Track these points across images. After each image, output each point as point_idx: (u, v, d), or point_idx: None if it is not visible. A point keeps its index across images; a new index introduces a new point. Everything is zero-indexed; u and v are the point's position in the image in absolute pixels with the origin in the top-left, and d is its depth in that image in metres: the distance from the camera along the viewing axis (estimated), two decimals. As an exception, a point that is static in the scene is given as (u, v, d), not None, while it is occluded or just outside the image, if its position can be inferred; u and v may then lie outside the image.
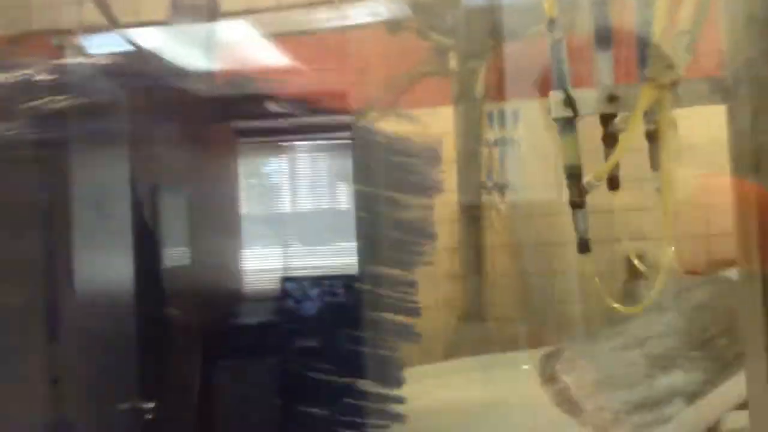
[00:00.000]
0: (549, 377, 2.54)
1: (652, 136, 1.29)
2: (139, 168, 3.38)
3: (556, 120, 1.30)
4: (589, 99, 1.29)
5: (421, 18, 3.22)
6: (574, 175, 1.30)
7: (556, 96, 1.28)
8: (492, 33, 2.98)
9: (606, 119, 1.32)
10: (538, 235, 4.30)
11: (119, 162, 2.98)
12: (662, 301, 2.56)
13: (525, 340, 3.64)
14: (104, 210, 2.80)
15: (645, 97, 1.13)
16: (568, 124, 1.30)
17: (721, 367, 1.89)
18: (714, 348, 2.06)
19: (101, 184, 2.79)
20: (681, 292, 2.54)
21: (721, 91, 1.25)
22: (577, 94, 1.29)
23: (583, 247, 1.28)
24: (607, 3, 1.32)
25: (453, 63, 3.76)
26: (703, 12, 1.09)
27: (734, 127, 1.28)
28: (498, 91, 3.62)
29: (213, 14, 2.54)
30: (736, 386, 1.73)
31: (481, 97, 3.88)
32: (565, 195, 1.69)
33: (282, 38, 3.39)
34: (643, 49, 1.29)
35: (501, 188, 3.87)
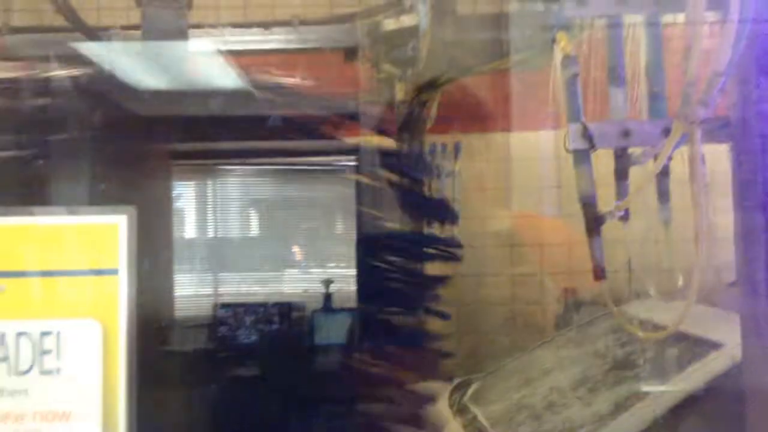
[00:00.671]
0: (458, 409, 2.59)
1: (663, 171, 1.35)
2: (69, 183, 3.24)
3: (573, 151, 1.35)
4: (606, 133, 1.35)
5: (379, 48, 3.26)
6: (588, 204, 1.35)
7: (575, 129, 1.33)
8: (448, 67, 3.05)
9: (619, 153, 1.37)
10: (469, 266, 4.38)
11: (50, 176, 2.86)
12: (571, 333, 2.70)
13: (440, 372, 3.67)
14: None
15: (676, 132, 1.19)
16: (584, 156, 1.35)
17: (614, 404, 1.98)
18: (607, 383, 2.14)
19: (29, 198, 2.67)
20: (584, 325, 2.66)
21: (728, 130, 1.34)
22: (593, 127, 1.35)
23: (599, 274, 1.32)
24: (622, 41, 1.39)
25: (400, 94, 3.82)
26: (734, 55, 1.16)
27: (738, 165, 1.36)
28: (444, 124, 3.70)
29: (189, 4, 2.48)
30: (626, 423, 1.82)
31: (426, 129, 3.95)
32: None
33: (238, 56, 3.35)
34: (653, 86, 1.36)
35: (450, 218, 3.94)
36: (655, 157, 1.27)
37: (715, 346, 1.76)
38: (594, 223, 1.34)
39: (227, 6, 4.32)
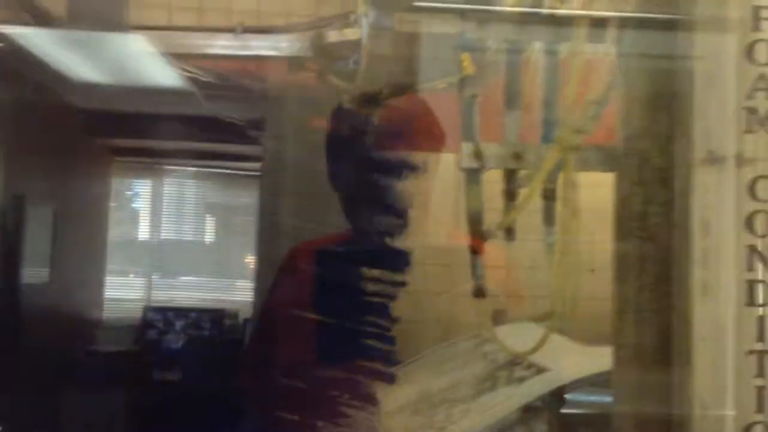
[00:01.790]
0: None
1: (548, 195, 1.38)
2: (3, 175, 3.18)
3: (464, 170, 1.37)
4: (496, 154, 1.37)
5: (322, 59, 3.27)
6: (475, 222, 1.37)
7: (467, 148, 1.35)
8: (389, 83, 3.07)
9: (509, 174, 1.40)
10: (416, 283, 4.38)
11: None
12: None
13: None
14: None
15: (551, 157, 1.22)
16: (475, 175, 1.37)
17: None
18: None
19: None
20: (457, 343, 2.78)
21: (610, 160, 1.38)
22: (485, 148, 1.37)
23: (480, 292, 1.34)
24: (519, 66, 1.42)
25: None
26: (612, 86, 1.20)
27: (619, 194, 1.40)
28: (389, 141, 3.72)
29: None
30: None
31: (369, 144, 3.96)
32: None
33: (179, 58, 3.33)
34: (547, 112, 1.40)
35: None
36: (529, 180, 1.30)
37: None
38: (478, 241, 1.36)
39: (181, 7, 4.31)
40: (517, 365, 1.90)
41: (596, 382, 1.77)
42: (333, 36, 3.20)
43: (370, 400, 1.52)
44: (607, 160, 1.40)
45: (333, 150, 1.95)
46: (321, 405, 1.64)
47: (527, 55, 1.42)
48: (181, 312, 4.48)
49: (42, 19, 3.15)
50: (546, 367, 1.85)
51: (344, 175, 1.92)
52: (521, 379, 1.90)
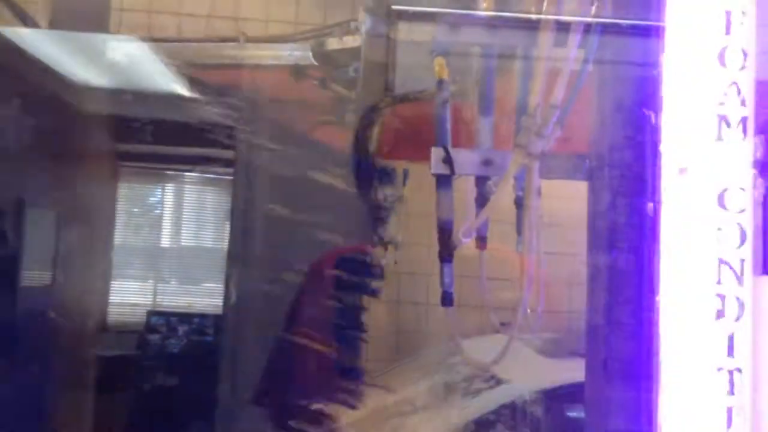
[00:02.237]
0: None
1: (520, 203, 1.35)
2: (3, 177, 3.20)
3: (434, 176, 1.35)
4: (467, 160, 1.35)
5: (324, 67, 3.27)
6: (445, 230, 1.34)
7: (437, 153, 1.33)
8: (388, 90, 3.05)
9: (480, 181, 1.37)
10: (409, 293, 4.36)
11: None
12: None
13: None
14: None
15: (515, 162, 1.19)
16: (445, 181, 1.35)
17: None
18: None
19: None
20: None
21: (585, 168, 1.34)
22: (456, 154, 1.34)
23: (447, 300, 1.32)
24: (493, 73, 1.40)
25: (350, 116, 3.83)
26: (574, 91, 1.17)
27: (593, 205, 1.37)
28: (390, 148, 3.70)
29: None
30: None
31: (373, 152, 3.94)
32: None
33: (182, 67, 3.35)
34: (520, 119, 1.37)
35: (395, 243, 3.90)
36: (497, 186, 1.27)
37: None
38: (446, 248, 1.33)
39: (190, 15, 4.34)
40: (477, 377, 1.89)
41: (557, 395, 1.76)
42: (333, 44, 3.19)
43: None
44: (580, 169, 1.37)
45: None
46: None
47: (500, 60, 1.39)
48: (184, 317, 4.49)
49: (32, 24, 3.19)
50: (505, 380, 1.84)
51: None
52: (477, 392, 1.89)
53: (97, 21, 2.39)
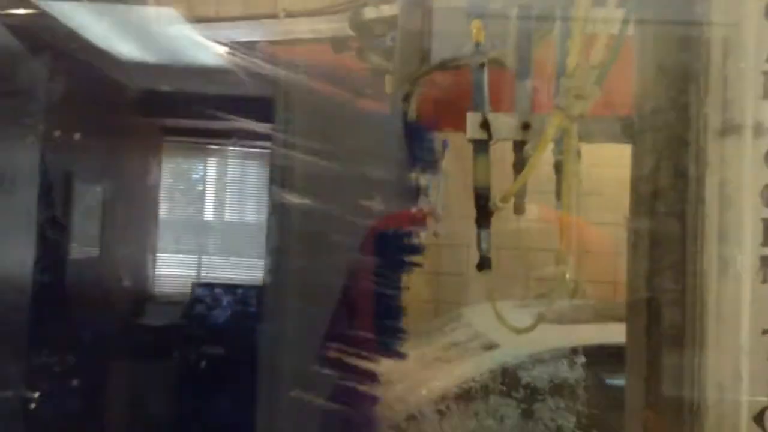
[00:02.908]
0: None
1: (560, 168, 1.33)
2: (52, 152, 3.27)
3: (471, 141, 1.33)
4: (504, 124, 1.33)
5: (362, 38, 3.24)
6: (482, 196, 1.33)
7: (473, 118, 1.32)
8: (425, 59, 3.02)
9: (518, 146, 1.36)
10: (450, 265, 4.36)
11: (31, 143, 2.88)
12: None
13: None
14: (8, 190, 2.69)
15: (553, 125, 1.17)
16: (482, 146, 1.34)
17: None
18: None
19: (7, 163, 2.69)
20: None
21: (629, 131, 1.31)
22: (494, 118, 1.33)
23: (484, 264, 1.31)
24: (530, 35, 1.37)
25: (388, 87, 3.80)
26: (614, 51, 1.14)
27: (636, 170, 1.34)
28: (430, 118, 3.67)
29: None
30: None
31: (412, 123, 3.92)
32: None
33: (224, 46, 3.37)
34: (558, 81, 1.34)
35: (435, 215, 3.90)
36: (535, 150, 1.25)
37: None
38: (483, 214, 1.32)
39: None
40: (474, 340, 1.96)
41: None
42: (370, 13, 3.16)
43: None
44: (625, 132, 1.34)
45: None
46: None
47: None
48: (228, 288, 4.56)
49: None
50: (496, 344, 1.89)
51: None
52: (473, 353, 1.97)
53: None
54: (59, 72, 3.26)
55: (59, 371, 3.10)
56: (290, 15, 3.68)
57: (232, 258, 5.20)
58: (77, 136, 3.59)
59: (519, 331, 1.25)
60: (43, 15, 3.21)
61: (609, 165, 1.84)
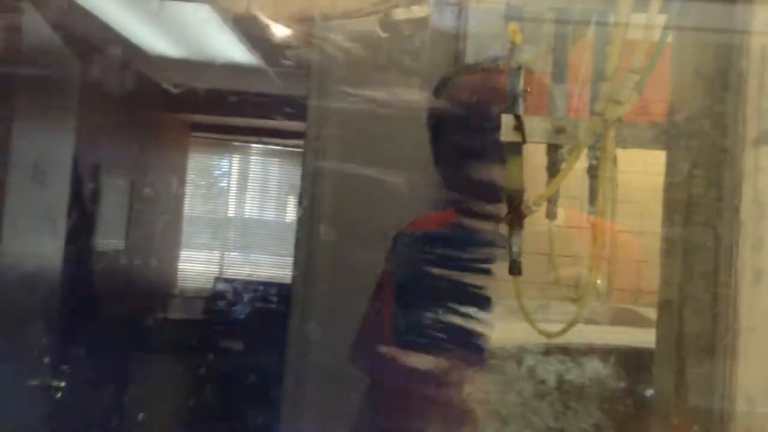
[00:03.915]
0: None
1: (593, 172, 1.33)
2: (83, 145, 3.31)
3: (504, 143, 1.33)
4: (539, 128, 1.33)
5: (391, 39, 3.25)
6: (514, 198, 1.33)
7: (507, 120, 1.32)
8: (457, 60, 3.02)
9: (552, 149, 1.35)
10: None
11: (63, 135, 2.92)
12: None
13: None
14: (41, 181, 2.73)
15: (590, 129, 1.17)
16: (515, 149, 1.33)
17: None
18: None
19: (40, 155, 2.73)
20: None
21: (664, 138, 1.31)
22: (528, 121, 1.33)
23: (515, 269, 1.31)
24: (567, 39, 1.37)
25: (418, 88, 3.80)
26: (655, 57, 1.14)
27: (670, 177, 1.33)
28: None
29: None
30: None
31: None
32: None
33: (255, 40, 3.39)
34: (596, 86, 1.34)
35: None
36: (569, 155, 1.25)
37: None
38: (516, 216, 1.32)
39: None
40: None
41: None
42: (399, 14, 3.16)
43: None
44: (660, 138, 1.33)
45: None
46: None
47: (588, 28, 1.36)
48: (249, 285, 4.60)
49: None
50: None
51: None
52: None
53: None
54: (92, 66, 3.30)
55: (84, 362, 3.14)
56: (324, 18, 3.69)
57: (254, 254, 5.23)
58: (108, 130, 3.63)
59: (550, 335, 1.25)
60: (77, 8, 3.26)
61: (637, 171, 1.83)
